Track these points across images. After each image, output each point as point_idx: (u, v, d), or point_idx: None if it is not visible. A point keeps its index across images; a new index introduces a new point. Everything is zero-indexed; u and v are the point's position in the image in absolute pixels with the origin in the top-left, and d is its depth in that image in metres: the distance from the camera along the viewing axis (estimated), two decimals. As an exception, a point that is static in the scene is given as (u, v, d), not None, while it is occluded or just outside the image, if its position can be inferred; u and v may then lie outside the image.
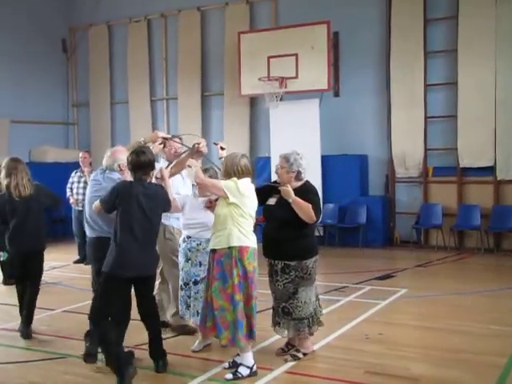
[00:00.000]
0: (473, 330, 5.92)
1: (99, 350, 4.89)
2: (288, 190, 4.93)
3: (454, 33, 10.89)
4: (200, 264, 5.23)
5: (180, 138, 5.78)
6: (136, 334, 5.24)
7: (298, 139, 10.23)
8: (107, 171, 5.25)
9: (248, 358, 4.73)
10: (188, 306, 5.28)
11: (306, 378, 4.71)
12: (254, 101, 12.73)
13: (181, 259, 5.35)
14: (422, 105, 11.17)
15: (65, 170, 10.90)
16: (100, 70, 14.65)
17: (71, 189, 10.10)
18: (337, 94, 11.85)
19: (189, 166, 5.15)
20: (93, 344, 5.00)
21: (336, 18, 11.31)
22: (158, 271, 5.53)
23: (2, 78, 13.37)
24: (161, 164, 5.54)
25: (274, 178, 5.63)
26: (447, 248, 10.72)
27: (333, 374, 4.74)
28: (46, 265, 6.59)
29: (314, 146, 11.08)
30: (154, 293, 5.08)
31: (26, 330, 5.93)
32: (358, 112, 11.76)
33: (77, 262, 10.13)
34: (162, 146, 5.46)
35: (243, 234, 4.67)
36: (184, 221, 5.35)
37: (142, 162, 4.68)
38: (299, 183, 5.09)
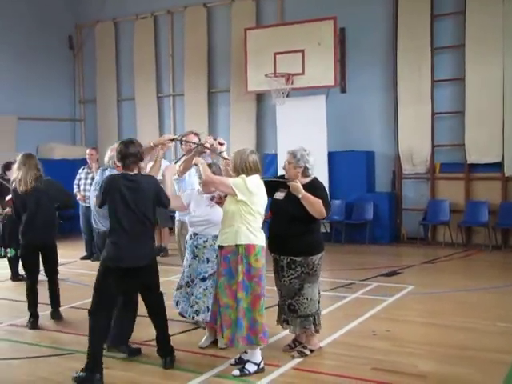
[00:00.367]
0: (480, 326, 5.90)
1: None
2: (297, 186, 4.91)
3: (462, 28, 10.84)
4: (208, 260, 5.20)
5: (196, 134, 5.84)
6: (143, 329, 5.26)
7: (305, 136, 10.21)
8: (108, 169, 5.32)
9: (256, 355, 4.73)
10: (191, 305, 5.21)
11: (312, 375, 4.71)
12: (260, 97, 12.72)
13: (187, 256, 5.34)
14: (429, 101, 11.13)
15: (72, 166, 10.93)
16: (106, 66, 14.68)
17: (78, 185, 10.14)
18: (343, 91, 11.82)
19: (195, 165, 5.13)
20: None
21: (342, 14, 11.28)
22: None
23: (10, 75, 13.41)
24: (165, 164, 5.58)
25: (280, 174, 5.62)
26: (454, 244, 10.70)
27: (340, 371, 4.74)
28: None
29: (321, 143, 11.06)
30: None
31: (57, 314, 6.36)
32: (364, 108, 11.74)
33: (84, 258, 10.17)
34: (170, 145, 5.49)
35: (251, 231, 4.66)
36: (190, 218, 5.32)
37: (130, 152, 4.70)
38: (307, 179, 5.08)
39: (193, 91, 13.47)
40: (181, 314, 5.36)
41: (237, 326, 4.61)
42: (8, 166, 8.53)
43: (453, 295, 7.24)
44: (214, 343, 5.35)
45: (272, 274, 5.16)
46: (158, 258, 10.25)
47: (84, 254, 10.25)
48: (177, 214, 5.97)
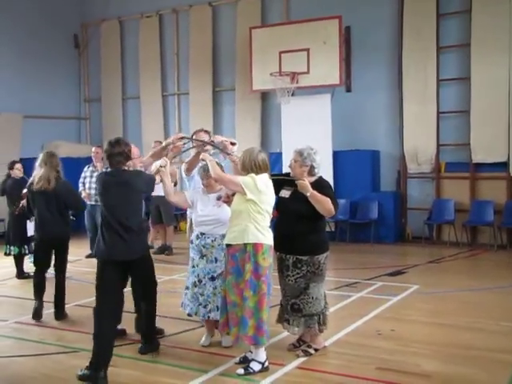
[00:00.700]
0: (484, 326, 5.89)
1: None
2: (305, 184, 4.89)
3: (467, 28, 10.82)
4: (216, 260, 5.17)
5: (206, 132, 5.85)
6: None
7: (310, 135, 10.20)
8: None
9: (260, 354, 4.73)
10: (200, 304, 5.20)
11: (317, 374, 4.70)
12: (265, 96, 12.72)
13: (194, 256, 5.29)
14: (435, 100, 11.11)
15: (77, 164, 10.94)
16: (112, 65, 14.70)
17: (83, 183, 10.16)
18: (349, 90, 11.79)
19: (202, 160, 5.12)
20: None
21: (348, 13, 11.28)
22: None
23: (15, 73, 13.45)
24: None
25: (284, 172, 5.60)
26: (459, 244, 10.67)
27: (344, 370, 4.73)
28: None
29: (326, 142, 11.05)
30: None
31: (60, 314, 6.36)
32: (370, 107, 11.73)
33: (89, 256, 10.18)
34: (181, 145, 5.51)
35: (259, 230, 4.66)
36: (197, 218, 5.29)
37: (115, 151, 4.80)
38: (313, 178, 5.07)
39: (198, 90, 13.48)
40: (189, 315, 5.35)
41: (243, 324, 4.62)
42: (12, 165, 8.58)
43: (457, 295, 7.23)
44: (218, 342, 5.35)
45: (276, 273, 5.15)
46: (163, 257, 10.32)
47: (89, 252, 10.27)
48: (188, 211, 5.94)
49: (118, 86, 14.72)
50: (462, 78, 11.01)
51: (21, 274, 8.57)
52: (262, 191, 4.66)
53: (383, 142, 11.75)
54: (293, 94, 11.40)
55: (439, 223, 11.12)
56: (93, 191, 9.98)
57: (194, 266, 5.28)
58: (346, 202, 11.40)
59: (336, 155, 11.36)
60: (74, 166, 10.50)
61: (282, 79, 11.21)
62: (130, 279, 5.12)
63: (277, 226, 5.11)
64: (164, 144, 5.34)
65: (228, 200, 5.09)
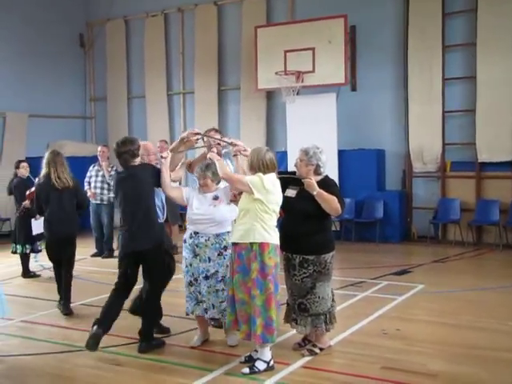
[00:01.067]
0: (490, 326, 5.88)
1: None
2: (312, 183, 4.88)
3: (473, 26, 10.78)
4: (209, 259, 5.14)
5: (217, 131, 5.88)
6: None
7: (315, 134, 10.20)
8: None
9: (265, 353, 4.73)
10: (198, 302, 5.19)
11: (322, 373, 4.70)
12: (270, 95, 12.72)
13: (187, 255, 5.25)
14: (440, 99, 11.08)
15: (82, 163, 10.96)
16: (117, 64, 14.72)
17: (89, 182, 10.18)
18: (354, 89, 11.79)
19: (210, 159, 5.10)
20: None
21: (353, 12, 11.26)
22: None
23: (20, 72, 13.48)
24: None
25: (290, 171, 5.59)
26: (465, 243, 10.65)
27: (349, 369, 4.73)
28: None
29: (331, 141, 11.03)
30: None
31: (66, 308, 6.53)
32: (375, 106, 11.71)
33: (94, 255, 10.22)
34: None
35: (265, 229, 4.66)
36: (191, 216, 5.23)
37: (121, 151, 5.20)
38: (318, 178, 5.06)
39: (203, 89, 13.48)
40: (186, 314, 5.35)
41: (252, 322, 4.63)
42: (18, 165, 8.62)
43: (463, 294, 7.21)
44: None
45: (282, 273, 5.15)
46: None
47: (94, 251, 10.30)
48: None
49: (124, 85, 14.73)
50: (467, 77, 10.98)
51: (26, 273, 8.60)
52: (269, 191, 4.66)
53: (388, 141, 11.73)
54: (298, 93, 11.40)
55: (445, 222, 11.10)
56: (98, 190, 10.02)
57: (187, 266, 5.26)
58: (352, 201, 11.38)
59: (341, 154, 11.35)
60: (80, 165, 10.52)
61: (287, 78, 11.21)
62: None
63: (283, 225, 5.10)
64: (180, 138, 5.38)
65: (235, 199, 5.09)
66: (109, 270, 8.92)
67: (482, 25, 10.62)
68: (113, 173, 9.28)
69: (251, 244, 4.66)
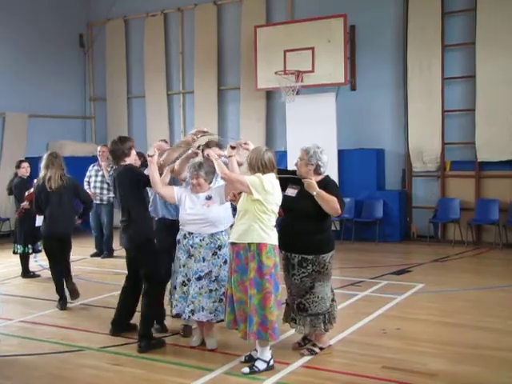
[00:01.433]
0: (490, 325, 5.88)
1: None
2: (312, 183, 4.87)
3: (473, 26, 10.77)
4: (203, 259, 5.12)
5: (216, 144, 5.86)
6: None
7: (315, 133, 10.20)
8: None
9: (265, 353, 4.74)
10: (188, 304, 5.12)
11: (322, 373, 4.70)
12: (270, 95, 12.71)
13: (181, 256, 5.22)
14: (440, 99, 11.08)
15: (82, 163, 10.94)
16: (117, 64, 14.71)
17: (88, 182, 10.16)
18: (353, 88, 11.79)
19: (207, 157, 5.06)
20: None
21: (352, 12, 11.25)
22: None
23: (20, 72, 13.45)
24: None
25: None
26: (465, 243, 10.64)
27: (349, 369, 4.73)
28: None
29: (331, 140, 11.02)
30: None
31: (71, 285, 6.85)
32: (374, 106, 11.70)
33: (94, 255, 10.21)
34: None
35: (264, 230, 4.66)
36: (185, 216, 5.19)
37: (112, 150, 5.40)
38: (319, 178, 5.05)
39: (202, 89, 13.47)
40: (178, 315, 5.32)
41: (249, 321, 4.63)
42: (19, 164, 8.62)
43: (463, 293, 7.21)
44: (223, 341, 5.34)
45: (281, 272, 5.15)
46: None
47: (94, 251, 10.29)
48: None
49: (123, 84, 14.72)
50: (467, 76, 10.97)
51: (26, 273, 8.59)
52: (268, 191, 4.65)
53: (388, 140, 11.73)
54: (297, 93, 11.39)
55: (444, 222, 11.09)
56: (98, 190, 10.01)
57: (181, 266, 5.22)
58: (351, 201, 11.38)
59: (341, 154, 11.34)
60: (79, 164, 10.53)
61: (286, 78, 11.20)
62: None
63: (282, 224, 5.10)
64: (189, 138, 5.33)
65: (235, 199, 5.09)
66: (109, 269, 8.94)
67: (482, 24, 10.61)
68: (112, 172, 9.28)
69: (249, 244, 4.66)
